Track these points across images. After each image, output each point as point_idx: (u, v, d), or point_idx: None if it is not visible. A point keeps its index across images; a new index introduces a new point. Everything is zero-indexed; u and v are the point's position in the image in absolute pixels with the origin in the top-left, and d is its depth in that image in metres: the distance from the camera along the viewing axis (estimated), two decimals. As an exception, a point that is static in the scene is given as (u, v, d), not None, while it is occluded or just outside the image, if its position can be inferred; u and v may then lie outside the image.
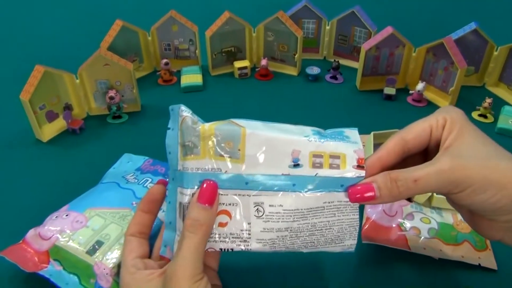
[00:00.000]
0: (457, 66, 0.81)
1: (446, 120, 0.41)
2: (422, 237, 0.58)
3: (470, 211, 0.43)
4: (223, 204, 0.42)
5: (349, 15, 0.97)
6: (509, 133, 0.80)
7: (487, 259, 0.56)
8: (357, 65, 0.94)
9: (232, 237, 0.42)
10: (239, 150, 0.41)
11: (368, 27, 0.96)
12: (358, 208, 0.42)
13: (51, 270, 0.51)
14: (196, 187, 0.41)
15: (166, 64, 0.95)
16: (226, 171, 0.41)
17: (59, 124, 0.81)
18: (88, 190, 0.61)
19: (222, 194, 0.41)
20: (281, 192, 0.41)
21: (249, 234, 0.42)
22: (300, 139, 0.42)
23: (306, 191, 0.41)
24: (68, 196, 0.59)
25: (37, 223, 0.55)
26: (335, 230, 0.43)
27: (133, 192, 0.59)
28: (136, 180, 0.62)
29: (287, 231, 0.42)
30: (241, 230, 0.42)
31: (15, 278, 0.54)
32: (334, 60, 0.96)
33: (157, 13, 0.97)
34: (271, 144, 0.41)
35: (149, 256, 0.47)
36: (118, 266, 0.51)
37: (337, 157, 0.41)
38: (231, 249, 0.42)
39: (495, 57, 0.91)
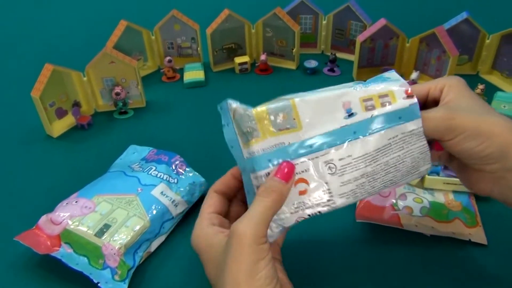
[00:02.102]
0: (449, 54, 0.84)
1: (445, 85, 0.45)
2: (414, 215, 0.60)
3: (461, 164, 0.47)
4: (297, 173, 0.43)
5: (345, 9, 1.00)
6: (502, 118, 0.82)
7: (478, 235, 0.58)
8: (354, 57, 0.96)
9: (316, 201, 0.44)
10: (294, 119, 0.43)
11: (363, 20, 0.99)
12: (423, 134, 0.44)
13: (63, 252, 0.54)
14: (268, 167, 0.43)
15: (169, 61, 0.98)
16: (289, 142, 0.43)
17: (68, 121, 0.85)
18: (96, 179, 0.65)
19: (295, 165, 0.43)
20: (346, 143, 0.43)
21: (330, 192, 0.44)
22: (346, 90, 0.44)
23: (368, 134, 0.43)
24: (77, 186, 0.63)
25: (49, 210, 0.59)
26: (408, 161, 0.45)
27: (138, 179, 0.62)
28: (141, 169, 0.65)
29: (364, 177, 0.44)
30: (321, 191, 0.44)
31: (30, 260, 0.57)
32: (331, 53, 0.99)
33: (159, 13, 1.00)
34: (321, 104, 0.44)
35: (226, 216, 0.48)
36: (125, 246, 0.54)
37: (386, 95, 0.44)
38: (318, 212, 0.44)
39: (487, 45, 0.93)
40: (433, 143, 0.47)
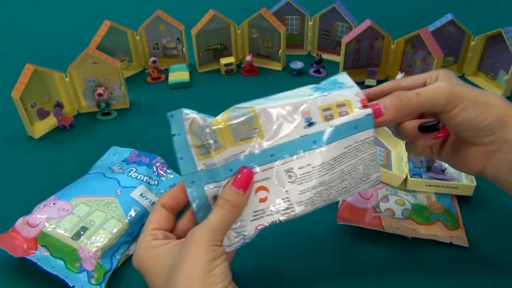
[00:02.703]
0: (433, 56, 0.84)
1: (439, 73, 0.48)
2: (396, 218, 0.60)
3: (453, 146, 0.48)
4: (258, 181, 0.44)
5: (331, 10, 1.00)
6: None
7: (459, 237, 0.58)
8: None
9: (276, 208, 0.44)
10: (255, 128, 0.44)
11: (349, 21, 0.99)
12: (374, 142, 0.45)
13: (39, 255, 0.54)
14: (229, 176, 0.43)
15: (154, 62, 0.97)
16: (250, 151, 0.44)
17: (50, 122, 0.84)
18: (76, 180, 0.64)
19: (254, 173, 0.44)
20: (305, 153, 0.44)
21: (289, 200, 0.44)
22: (305, 99, 0.45)
23: (327, 144, 0.44)
24: (57, 188, 0.62)
25: (27, 212, 0.58)
26: (361, 168, 0.46)
27: (117, 181, 0.62)
28: (122, 170, 0.64)
29: (321, 185, 0.44)
30: (281, 199, 0.44)
31: (6, 263, 0.56)
32: (317, 54, 0.98)
33: (144, 13, 1.00)
34: (281, 113, 0.44)
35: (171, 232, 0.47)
36: (102, 249, 0.53)
37: (343, 104, 0.45)
38: (278, 220, 0.44)
39: (472, 47, 0.93)
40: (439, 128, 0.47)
